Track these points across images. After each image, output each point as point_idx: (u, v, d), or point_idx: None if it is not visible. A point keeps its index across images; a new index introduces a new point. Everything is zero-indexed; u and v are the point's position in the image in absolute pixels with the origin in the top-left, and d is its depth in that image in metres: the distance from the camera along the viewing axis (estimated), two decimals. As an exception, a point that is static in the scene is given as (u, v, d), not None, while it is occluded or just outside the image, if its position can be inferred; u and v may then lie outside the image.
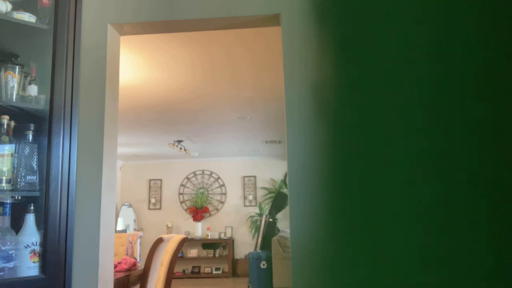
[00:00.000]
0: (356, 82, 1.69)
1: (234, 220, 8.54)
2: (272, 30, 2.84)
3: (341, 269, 1.58)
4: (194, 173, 8.76)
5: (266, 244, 6.20)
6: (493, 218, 1.55)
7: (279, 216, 8.18)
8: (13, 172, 1.63)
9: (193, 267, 8.32)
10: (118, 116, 3.53)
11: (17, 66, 1.69)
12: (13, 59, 1.80)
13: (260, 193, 8.58)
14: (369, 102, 1.67)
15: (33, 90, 1.72)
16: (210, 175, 8.73)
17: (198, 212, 8.35)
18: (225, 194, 8.64)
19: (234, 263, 8.23)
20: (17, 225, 1.63)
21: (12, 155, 1.64)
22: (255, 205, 8.53)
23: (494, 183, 1.57)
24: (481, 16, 1.68)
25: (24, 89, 1.72)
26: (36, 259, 1.59)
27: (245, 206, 8.56)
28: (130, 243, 3.91)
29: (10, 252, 1.56)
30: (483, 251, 1.54)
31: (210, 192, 8.67)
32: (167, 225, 8.51)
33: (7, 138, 1.65)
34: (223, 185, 8.68)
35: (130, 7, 1.87)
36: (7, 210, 1.61)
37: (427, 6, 1.71)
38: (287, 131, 1.70)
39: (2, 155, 1.62)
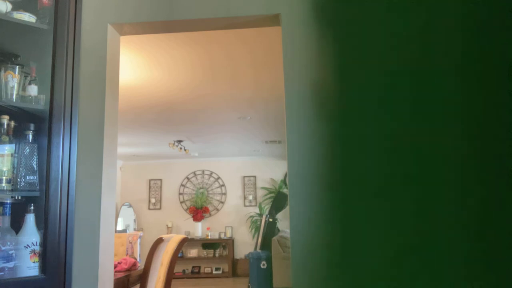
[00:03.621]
0: (356, 82, 1.69)
1: (234, 220, 8.53)
2: (272, 30, 2.84)
3: (340, 269, 1.58)
4: (194, 173, 8.76)
5: (266, 244, 6.20)
6: (483, 217, 1.55)
7: (279, 216, 8.17)
8: (13, 172, 1.63)
9: (193, 267, 8.32)
10: (118, 116, 3.53)
11: (17, 66, 1.69)
12: (13, 59, 1.80)
13: (260, 193, 8.57)
14: (369, 102, 1.67)
15: (33, 90, 1.72)
16: (210, 175, 8.73)
17: (198, 212, 8.35)
18: (225, 194, 8.64)
19: (234, 263, 8.23)
20: (17, 225, 1.63)
21: (12, 155, 1.64)
22: (255, 205, 8.53)
23: (489, 185, 1.57)
24: (481, 15, 1.68)
25: (24, 89, 1.72)
26: (36, 259, 1.59)
27: (245, 206, 8.56)
28: (130, 243, 3.91)
29: (10, 252, 1.56)
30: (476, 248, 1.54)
31: (210, 192, 8.67)
32: (167, 225, 8.51)
33: (7, 138, 1.65)
34: (223, 185, 8.68)
35: (130, 7, 1.87)
36: (7, 210, 1.61)
37: (427, 6, 1.71)
38: (287, 131, 1.70)
39: (2, 155, 1.62)
